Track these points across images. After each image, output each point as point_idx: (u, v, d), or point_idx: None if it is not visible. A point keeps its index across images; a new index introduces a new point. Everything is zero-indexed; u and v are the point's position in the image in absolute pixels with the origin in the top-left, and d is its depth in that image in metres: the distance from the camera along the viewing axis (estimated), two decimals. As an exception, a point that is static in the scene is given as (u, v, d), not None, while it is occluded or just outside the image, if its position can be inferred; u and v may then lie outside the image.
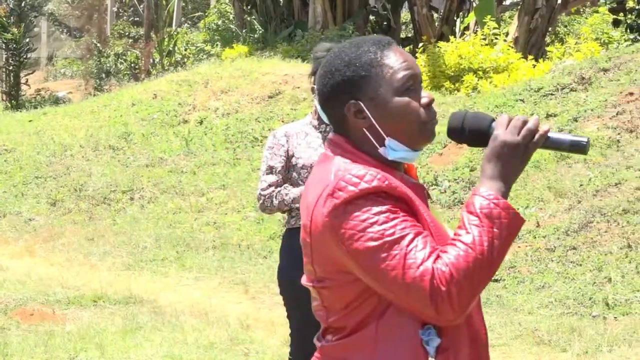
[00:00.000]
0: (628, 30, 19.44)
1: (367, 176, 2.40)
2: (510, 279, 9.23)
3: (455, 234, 2.37)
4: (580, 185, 10.41)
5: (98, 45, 29.96)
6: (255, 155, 13.99)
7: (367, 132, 2.51)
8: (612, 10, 20.99)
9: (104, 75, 27.70)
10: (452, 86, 14.86)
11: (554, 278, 9.06)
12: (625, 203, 9.80)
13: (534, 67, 14.89)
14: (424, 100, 2.51)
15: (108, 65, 28.28)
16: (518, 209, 9.63)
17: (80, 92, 27.29)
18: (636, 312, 8.14)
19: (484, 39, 15.91)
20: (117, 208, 13.70)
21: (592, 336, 7.60)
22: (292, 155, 5.11)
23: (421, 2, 19.76)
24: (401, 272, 2.32)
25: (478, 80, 14.51)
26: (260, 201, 5.13)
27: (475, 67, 14.92)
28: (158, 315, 8.80)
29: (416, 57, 15.46)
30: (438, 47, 15.96)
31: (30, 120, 18.42)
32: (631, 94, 11.90)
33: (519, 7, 19.19)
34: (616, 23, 20.01)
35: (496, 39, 15.96)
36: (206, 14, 27.98)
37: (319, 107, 2.60)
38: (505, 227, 2.34)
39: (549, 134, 2.45)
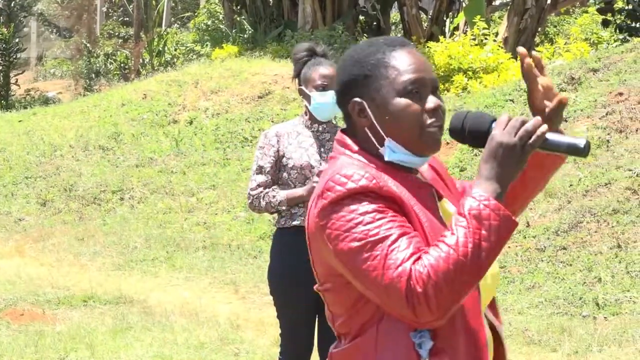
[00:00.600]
0: (617, 31, 19.51)
1: (355, 175, 2.37)
2: (500, 279, 9.24)
3: (440, 235, 2.33)
4: (570, 185, 10.43)
5: (88, 45, 29.90)
6: (245, 155, 13.98)
7: (368, 132, 2.50)
8: (601, 11, 21.06)
9: (93, 75, 27.64)
10: (442, 86, 14.86)
11: (544, 278, 9.07)
12: (615, 203, 9.82)
13: (524, 67, 14.88)
14: (428, 105, 2.47)
15: (98, 65, 28.24)
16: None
17: (70, 92, 27.25)
18: (626, 312, 8.15)
19: (474, 39, 15.93)
20: (107, 208, 13.67)
21: (582, 336, 7.61)
22: (283, 156, 5.09)
23: (411, 3, 19.79)
24: (381, 273, 2.29)
25: (468, 80, 14.52)
26: (249, 200, 5.15)
27: (465, 67, 14.94)
28: (148, 315, 8.78)
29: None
30: (428, 47, 15.97)
31: (20, 121, 18.36)
32: (620, 94, 11.92)
33: (508, 7, 19.22)
34: (605, 23, 20.07)
35: (486, 39, 15.98)
36: (196, 14, 27.94)
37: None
38: (495, 229, 2.28)
39: (547, 136, 2.39)
